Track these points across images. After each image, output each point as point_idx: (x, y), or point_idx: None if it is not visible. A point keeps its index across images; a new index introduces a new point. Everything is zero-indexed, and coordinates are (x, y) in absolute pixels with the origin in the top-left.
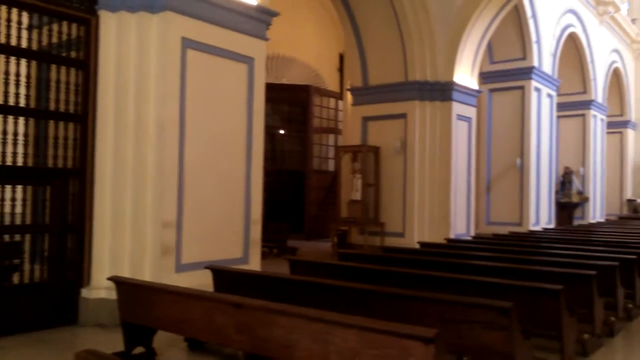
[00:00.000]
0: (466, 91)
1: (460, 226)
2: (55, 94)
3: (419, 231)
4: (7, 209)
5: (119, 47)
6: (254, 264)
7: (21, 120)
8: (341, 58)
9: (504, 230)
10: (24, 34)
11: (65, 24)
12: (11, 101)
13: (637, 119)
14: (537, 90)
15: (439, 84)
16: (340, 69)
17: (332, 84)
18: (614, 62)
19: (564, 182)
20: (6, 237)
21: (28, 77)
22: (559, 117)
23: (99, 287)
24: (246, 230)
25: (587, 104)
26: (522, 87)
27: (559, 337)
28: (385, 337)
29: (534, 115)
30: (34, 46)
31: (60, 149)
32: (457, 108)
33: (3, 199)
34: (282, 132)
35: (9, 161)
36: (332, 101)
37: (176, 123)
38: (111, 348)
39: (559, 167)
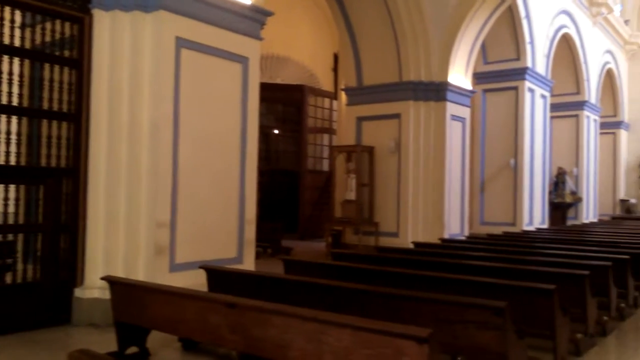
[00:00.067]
0: (460, 91)
1: (454, 226)
2: (48, 93)
3: (413, 231)
4: (0, 208)
5: (112, 46)
6: (248, 264)
7: (14, 119)
8: (335, 58)
9: (497, 230)
10: (17, 32)
11: (58, 23)
12: (4, 100)
13: (630, 119)
14: (531, 90)
15: (433, 84)
16: (335, 69)
17: (326, 84)
18: (607, 63)
19: (558, 182)
20: None
21: (21, 75)
22: (552, 117)
23: (93, 287)
24: (240, 230)
25: (581, 105)
26: (515, 88)
27: (552, 337)
28: (379, 336)
29: (527, 116)
30: (27, 45)
31: (54, 148)
32: (451, 108)
33: None
34: (276, 132)
35: (1, 160)
36: (326, 101)
37: (170, 122)
38: (105, 348)
39: (553, 168)
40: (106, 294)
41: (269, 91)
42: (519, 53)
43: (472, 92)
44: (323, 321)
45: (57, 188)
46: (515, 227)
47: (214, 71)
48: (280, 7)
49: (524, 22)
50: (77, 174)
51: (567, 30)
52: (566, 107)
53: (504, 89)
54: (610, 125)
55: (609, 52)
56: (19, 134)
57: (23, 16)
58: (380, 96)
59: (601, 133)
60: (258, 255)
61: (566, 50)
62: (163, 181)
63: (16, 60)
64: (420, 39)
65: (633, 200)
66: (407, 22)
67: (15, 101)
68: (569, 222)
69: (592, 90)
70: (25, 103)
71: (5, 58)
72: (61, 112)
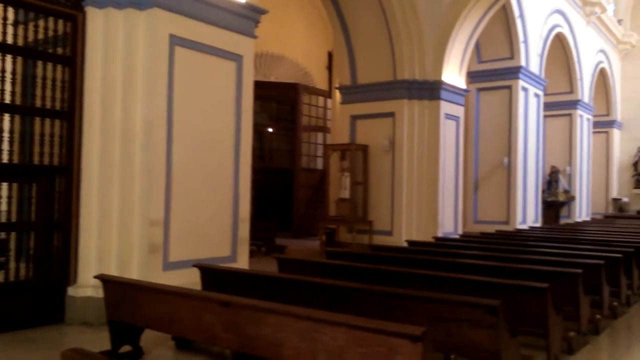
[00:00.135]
0: (454, 90)
1: (448, 225)
2: (41, 91)
3: (407, 229)
4: None
5: (106, 43)
6: (242, 262)
7: (7, 116)
8: (330, 56)
9: (491, 228)
10: (10, 29)
11: (51, 20)
12: None
13: (623, 119)
14: (525, 89)
15: (427, 82)
16: (329, 67)
17: (320, 82)
18: (600, 62)
19: (551, 181)
20: None
21: (13, 73)
22: (545, 116)
23: (86, 286)
24: (234, 229)
25: (574, 104)
26: (509, 87)
27: (545, 335)
28: (373, 335)
29: (521, 115)
30: (20, 42)
31: (47, 146)
32: (445, 107)
33: None
34: (270, 130)
35: None
36: (320, 99)
37: (164, 120)
38: (98, 347)
39: (546, 166)
40: (99, 293)
41: (263, 89)
42: (512, 52)
43: (466, 90)
44: (317, 320)
45: (50, 186)
46: (509, 226)
47: (208, 69)
48: (274, 6)
49: (518, 21)
50: (70, 172)
51: (561, 29)
52: (559, 106)
53: (498, 87)
54: (603, 125)
55: (602, 51)
56: (11, 131)
57: (16, 13)
58: (374, 95)
59: (594, 132)
60: (252, 254)
61: (560, 50)
62: (156, 179)
63: (9, 58)
64: (415, 38)
65: (625, 199)
66: (402, 21)
67: (7, 99)
68: (562, 221)
69: (585, 89)
70: (18, 101)
71: None
72: (54, 110)
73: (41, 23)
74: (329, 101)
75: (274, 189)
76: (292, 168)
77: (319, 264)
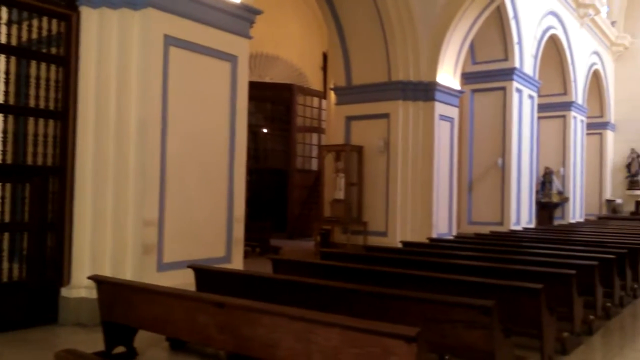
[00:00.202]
0: (449, 91)
1: (442, 226)
2: (35, 91)
3: (401, 230)
4: None
5: (100, 43)
6: (237, 263)
7: (0, 117)
8: (325, 57)
9: (485, 229)
10: (3, 29)
11: (45, 20)
12: None
13: (617, 120)
14: (519, 91)
15: (422, 84)
16: (324, 68)
17: (315, 83)
18: (594, 64)
19: (545, 182)
20: None
21: (7, 73)
22: (539, 118)
23: (79, 286)
24: (229, 229)
25: (568, 106)
26: (503, 88)
27: (539, 336)
28: (368, 335)
29: (515, 116)
30: (14, 42)
31: (40, 147)
32: (440, 108)
33: None
34: (265, 130)
35: None
36: (315, 100)
37: (158, 121)
38: (91, 347)
39: (540, 168)
40: (93, 294)
41: (257, 90)
42: (507, 53)
43: (460, 92)
44: (311, 320)
45: (44, 186)
46: (503, 227)
47: (203, 69)
48: (269, 6)
49: (512, 23)
50: (63, 172)
51: (555, 31)
52: (553, 108)
53: (492, 89)
54: (597, 126)
55: (596, 53)
56: (4, 131)
57: (9, 13)
58: (369, 96)
59: (588, 133)
60: (246, 255)
61: (553, 51)
62: (151, 180)
63: (2, 57)
64: (409, 39)
65: (619, 201)
66: (396, 22)
67: (1, 99)
68: (556, 222)
69: (579, 91)
70: (12, 101)
71: None
72: (48, 110)
73: (35, 22)
74: (324, 102)
75: (269, 189)
76: (287, 169)
77: (313, 264)
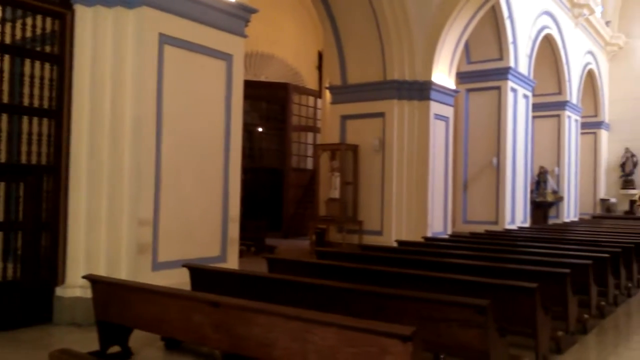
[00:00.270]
0: (444, 91)
1: (438, 225)
2: (29, 89)
3: (396, 229)
4: None
5: (94, 42)
6: (232, 263)
7: None
8: (320, 56)
9: (480, 228)
10: None
11: (39, 18)
12: None
13: (611, 120)
14: (514, 90)
15: (417, 83)
16: (319, 67)
17: (310, 82)
18: (588, 63)
19: (539, 181)
20: None
21: (1, 71)
22: (534, 117)
23: (74, 286)
24: (224, 229)
25: (562, 105)
26: (498, 88)
27: (534, 335)
28: (364, 335)
29: (510, 116)
30: (8, 40)
31: (34, 145)
32: (435, 107)
33: None
34: (260, 129)
35: None
36: (310, 99)
37: (153, 119)
38: (86, 347)
39: (534, 167)
40: (88, 293)
41: (253, 89)
42: (501, 53)
43: (455, 91)
44: (307, 320)
45: (38, 185)
46: (498, 226)
47: (198, 68)
48: (264, 5)
49: (507, 23)
50: (58, 171)
51: (549, 31)
52: (548, 107)
53: (487, 88)
54: (591, 126)
55: (590, 52)
56: None
57: (3, 11)
58: (364, 95)
59: (582, 133)
60: (242, 254)
61: (548, 51)
62: (145, 179)
63: None
64: (404, 39)
65: (613, 200)
66: (392, 22)
67: None
68: (551, 221)
69: (573, 90)
70: (5, 99)
71: None
72: (42, 109)
73: (29, 21)
74: (319, 101)
75: (264, 188)
76: (282, 168)
77: (309, 264)
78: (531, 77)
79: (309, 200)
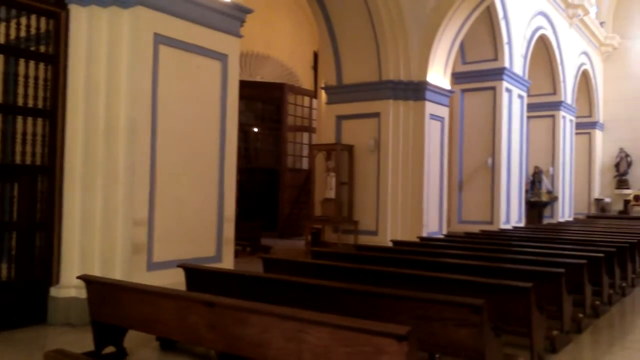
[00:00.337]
0: (439, 91)
1: (433, 225)
2: (23, 89)
3: (392, 229)
4: None
5: (89, 42)
6: (227, 263)
7: None
8: (315, 56)
9: (475, 228)
10: None
11: (34, 18)
12: None
13: (605, 120)
14: (508, 91)
15: (412, 83)
16: (315, 67)
17: (306, 82)
18: (582, 64)
19: (534, 181)
20: None
21: None
22: (529, 117)
23: (69, 286)
24: (219, 229)
25: (557, 105)
26: (493, 88)
27: (529, 334)
28: (359, 334)
29: (505, 116)
30: (2, 40)
31: (29, 146)
32: (430, 108)
33: None
34: (255, 130)
35: None
36: (306, 99)
37: (148, 119)
38: (81, 348)
39: (529, 167)
40: (82, 293)
41: (248, 89)
42: (496, 53)
43: (450, 91)
44: (302, 320)
45: (32, 186)
46: (493, 226)
47: (193, 68)
48: (260, 5)
49: (502, 23)
50: (52, 171)
51: (544, 31)
52: (543, 108)
53: (482, 89)
54: (586, 126)
55: (585, 53)
56: None
57: None
58: (359, 95)
59: (577, 133)
60: (237, 254)
61: (543, 51)
62: (140, 179)
63: None
64: (400, 39)
65: (607, 200)
66: (387, 22)
67: None
68: (545, 221)
69: (568, 90)
70: (0, 99)
71: None
72: (36, 109)
73: (24, 20)
74: (315, 101)
75: (259, 189)
76: (278, 168)
77: (304, 264)
78: (526, 77)
79: (304, 200)
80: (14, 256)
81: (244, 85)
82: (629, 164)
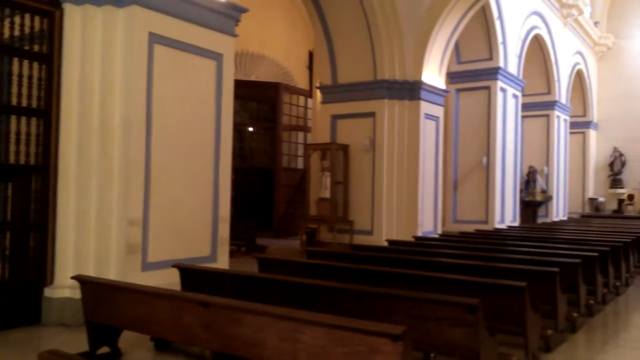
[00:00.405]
0: (434, 91)
1: (428, 224)
2: (17, 89)
3: (387, 229)
4: None
5: (84, 41)
6: (222, 263)
7: None
8: (310, 56)
9: (470, 228)
10: None
11: (28, 17)
12: None
13: (599, 119)
14: (503, 90)
15: (408, 83)
16: (310, 67)
17: (301, 82)
18: (577, 63)
19: (529, 180)
20: None
21: None
22: (523, 117)
23: (63, 286)
24: (214, 229)
25: (551, 105)
26: (488, 88)
27: (523, 333)
28: (354, 334)
29: (499, 115)
30: None
31: (23, 145)
32: (425, 107)
33: None
34: (250, 129)
35: None
36: (301, 99)
37: (143, 119)
38: (75, 348)
39: (524, 166)
40: (77, 294)
41: (243, 88)
42: (491, 53)
43: (445, 91)
44: (297, 319)
45: (26, 185)
46: (487, 225)
47: (188, 68)
48: (255, 4)
49: (497, 23)
50: (46, 171)
51: (539, 31)
52: (537, 107)
53: (477, 88)
54: (580, 125)
55: (579, 53)
56: None
57: None
58: (355, 94)
59: (571, 133)
60: (232, 254)
61: (537, 51)
62: (135, 179)
63: None
64: (395, 38)
65: (601, 199)
66: (382, 22)
67: None
68: (540, 220)
69: (562, 90)
70: None
71: None
72: (30, 108)
73: (17, 19)
74: (310, 101)
75: (255, 188)
76: (273, 167)
77: (299, 263)
78: (521, 77)
79: (299, 200)
80: (8, 256)
81: (239, 85)
82: (623, 164)
